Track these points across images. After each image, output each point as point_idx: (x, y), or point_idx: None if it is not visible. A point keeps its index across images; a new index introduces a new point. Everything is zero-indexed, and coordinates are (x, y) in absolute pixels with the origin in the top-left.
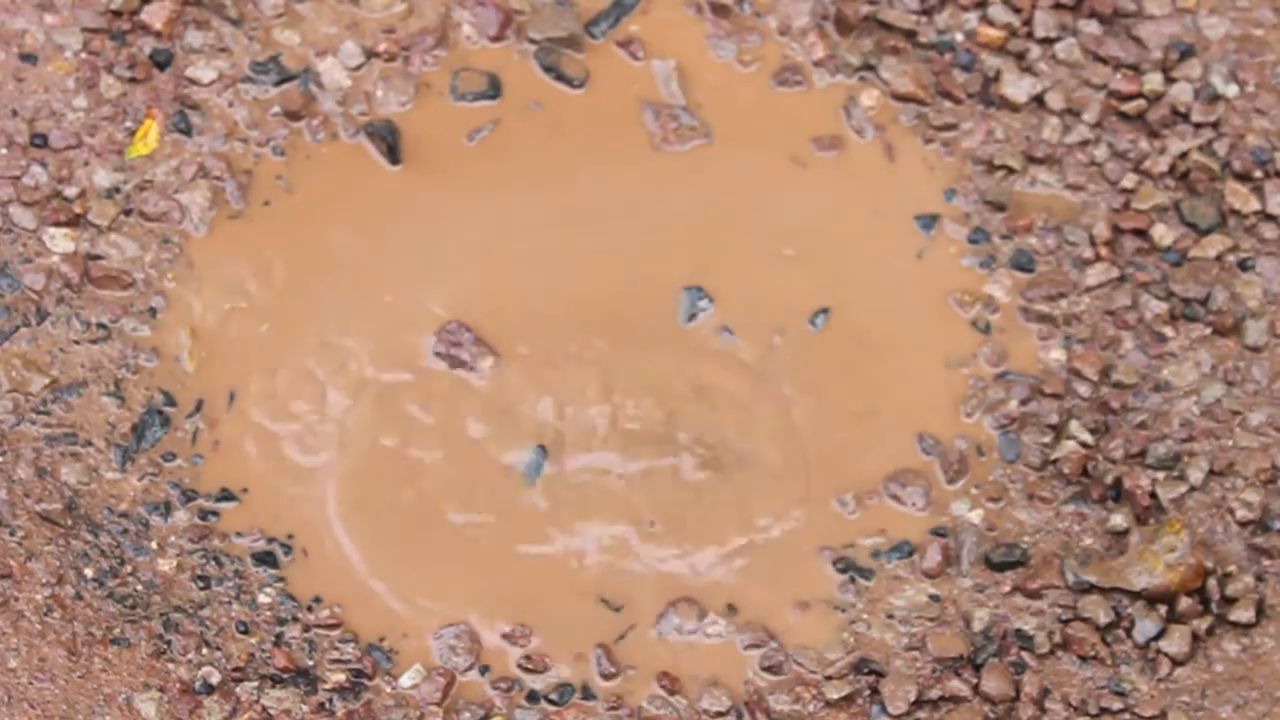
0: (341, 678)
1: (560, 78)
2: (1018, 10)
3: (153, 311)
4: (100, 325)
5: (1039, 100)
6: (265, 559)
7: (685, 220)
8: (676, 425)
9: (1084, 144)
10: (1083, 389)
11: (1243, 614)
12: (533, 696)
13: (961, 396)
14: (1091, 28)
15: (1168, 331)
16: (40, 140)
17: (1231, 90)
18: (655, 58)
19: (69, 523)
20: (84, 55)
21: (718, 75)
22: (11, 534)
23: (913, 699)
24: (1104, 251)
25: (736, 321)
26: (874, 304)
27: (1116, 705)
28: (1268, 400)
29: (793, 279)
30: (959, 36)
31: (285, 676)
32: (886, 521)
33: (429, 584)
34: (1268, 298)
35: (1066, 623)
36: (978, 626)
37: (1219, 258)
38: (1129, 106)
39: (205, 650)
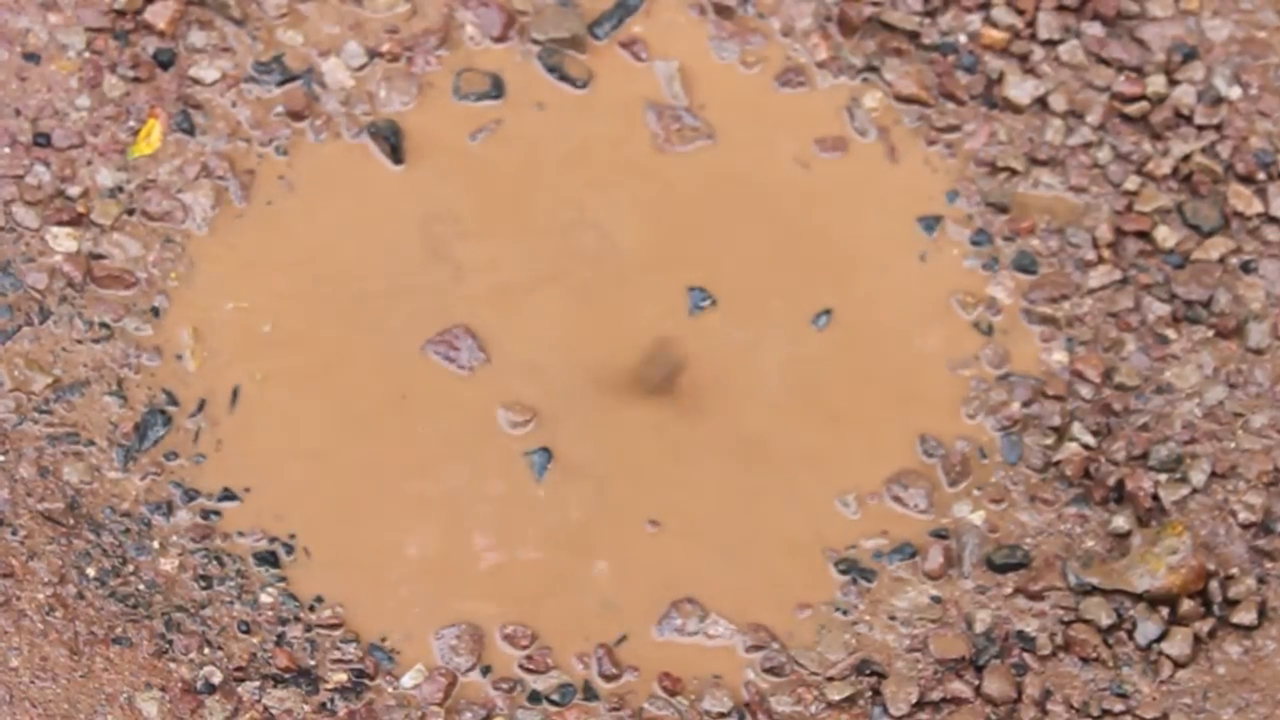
0: (343, 678)
1: (563, 78)
2: (1021, 12)
3: (155, 311)
4: (103, 324)
5: (1042, 102)
6: (267, 559)
7: (688, 221)
8: (679, 425)
9: (1087, 146)
10: (1085, 391)
11: (1245, 616)
12: (534, 697)
13: (963, 398)
14: (1094, 30)
15: (1170, 334)
16: (43, 139)
17: (1234, 93)
18: (658, 59)
19: (71, 522)
20: (87, 55)
21: (721, 76)
22: (14, 533)
23: (914, 700)
24: (1106, 253)
25: (739, 322)
26: (876, 305)
27: (1118, 707)
28: (1270, 402)
29: (795, 280)
30: (962, 38)
31: (287, 676)
32: (888, 523)
33: (430, 583)
34: (1270, 300)
35: (1068, 624)
36: (979, 628)
37: (1221, 260)
38: (1132, 109)
39: (207, 650)
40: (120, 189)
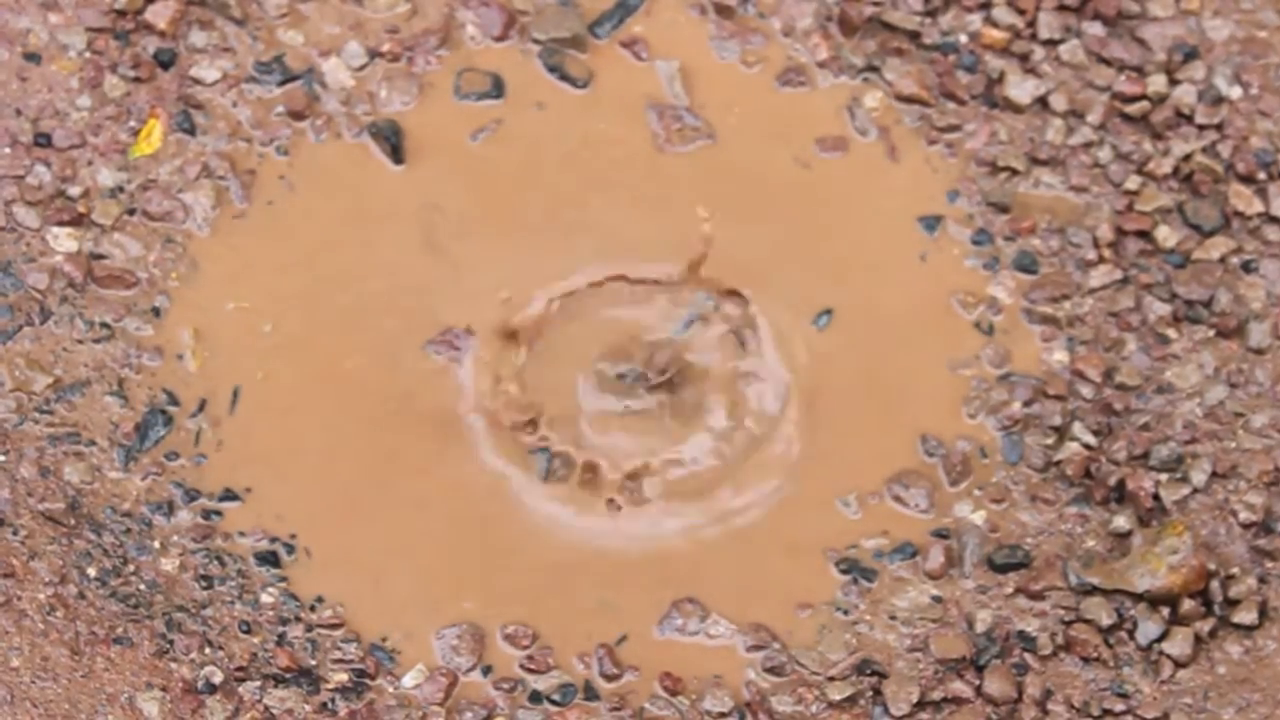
0: (344, 677)
1: (564, 78)
2: (1021, 12)
3: (156, 311)
4: (103, 325)
5: (1042, 102)
6: (268, 559)
7: (689, 221)
8: (682, 426)
9: (1087, 146)
10: (1086, 391)
11: (1245, 616)
12: (535, 697)
13: (964, 398)
14: (1095, 29)
15: (1171, 333)
16: (44, 139)
17: (1235, 92)
18: (659, 58)
19: (72, 522)
20: (88, 55)
21: (721, 76)
22: (14, 533)
23: (915, 700)
24: (1107, 253)
25: (740, 322)
26: (877, 305)
27: (1119, 707)
28: (1270, 402)
29: (796, 279)
30: (963, 38)
31: (288, 676)
32: (889, 523)
33: (431, 582)
34: (1271, 300)
35: (1069, 624)
36: (980, 628)
37: (1222, 260)
38: (1133, 108)
39: (208, 650)
40: (121, 189)
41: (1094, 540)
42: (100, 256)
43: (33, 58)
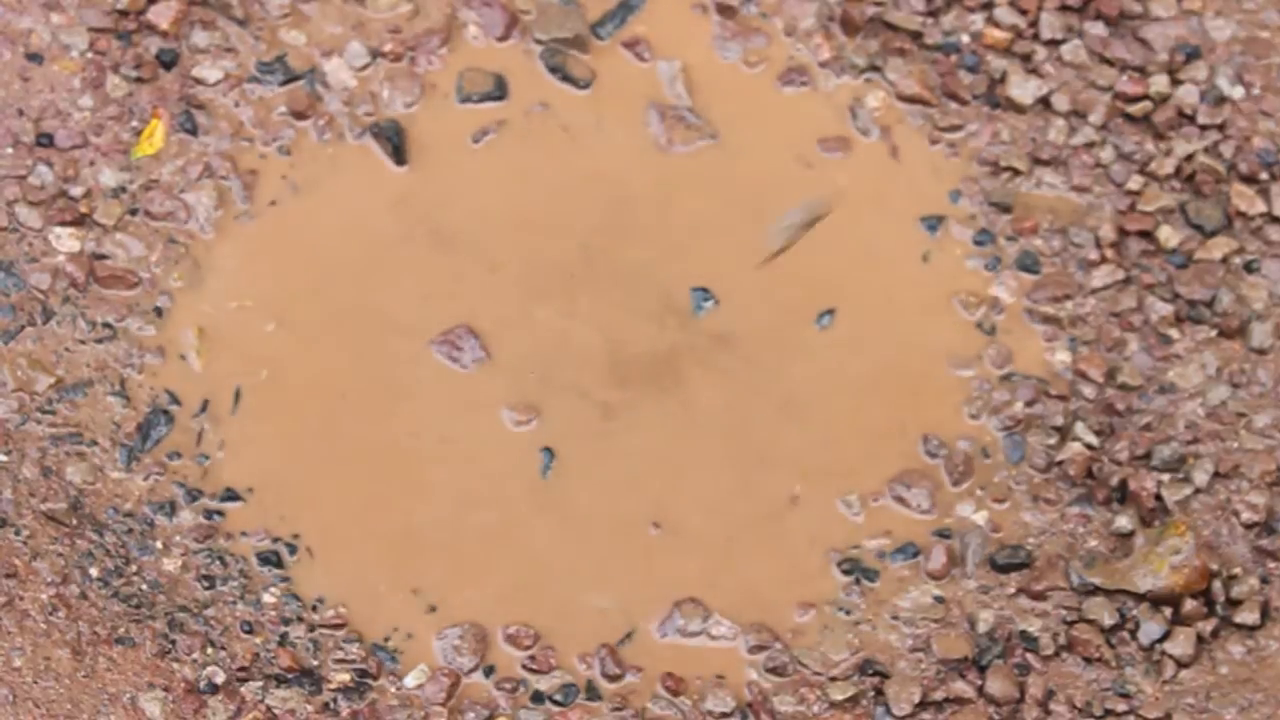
0: (346, 678)
1: (566, 79)
2: (1024, 12)
3: (158, 311)
4: (106, 325)
5: (1045, 102)
6: (270, 559)
7: (691, 221)
8: (682, 425)
9: (1090, 146)
10: (1088, 391)
11: (1248, 616)
12: (537, 697)
13: (966, 398)
14: (1097, 30)
15: (1173, 334)
16: (46, 139)
17: (1237, 92)
18: (661, 59)
19: (74, 522)
20: (90, 55)
21: (723, 76)
22: (17, 533)
23: (917, 700)
24: (1109, 253)
25: (742, 322)
26: (879, 305)
27: (1121, 707)
28: (1273, 402)
29: (798, 280)
30: (965, 38)
31: (290, 676)
32: (891, 523)
33: (433, 583)
34: (1273, 300)
35: (1071, 625)
36: (982, 628)
37: (1224, 260)
38: (1135, 108)
39: (210, 650)
40: (123, 189)
41: (1096, 540)
42: (102, 257)
43: (35, 58)
